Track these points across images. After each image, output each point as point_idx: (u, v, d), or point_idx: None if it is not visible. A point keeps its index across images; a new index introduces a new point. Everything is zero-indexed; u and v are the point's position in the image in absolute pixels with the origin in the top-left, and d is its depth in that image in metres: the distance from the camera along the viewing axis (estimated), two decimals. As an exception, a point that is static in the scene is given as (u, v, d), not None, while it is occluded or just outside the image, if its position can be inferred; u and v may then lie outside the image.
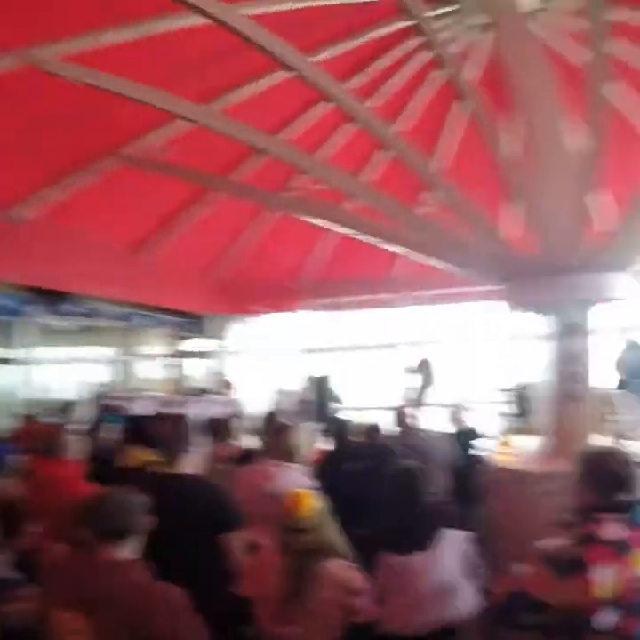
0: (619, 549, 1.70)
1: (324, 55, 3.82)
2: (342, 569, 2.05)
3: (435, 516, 2.40)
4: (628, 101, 4.60)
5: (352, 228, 3.80)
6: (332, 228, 4.77)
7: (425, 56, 4.25)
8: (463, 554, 2.29)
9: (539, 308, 3.21)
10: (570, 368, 3.08)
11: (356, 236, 3.88)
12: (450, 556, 2.27)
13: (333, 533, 2.12)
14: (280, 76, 3.79)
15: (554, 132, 3.11)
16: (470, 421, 4.58)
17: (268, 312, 8.36)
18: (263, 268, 7.33)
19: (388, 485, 2.65)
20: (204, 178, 4.14)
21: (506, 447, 3.23)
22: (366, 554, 2.30)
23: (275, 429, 3.25)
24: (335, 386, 7.08)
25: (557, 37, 4.16)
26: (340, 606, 1.99)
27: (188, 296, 7.17)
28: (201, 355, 8.70)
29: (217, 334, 8.90)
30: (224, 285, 7.31)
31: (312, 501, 2.10)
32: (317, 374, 7.05)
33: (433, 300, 7.86)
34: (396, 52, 4.25)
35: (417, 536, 2.33)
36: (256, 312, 8.20)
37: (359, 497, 3.01)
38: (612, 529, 1.74)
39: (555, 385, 3.14)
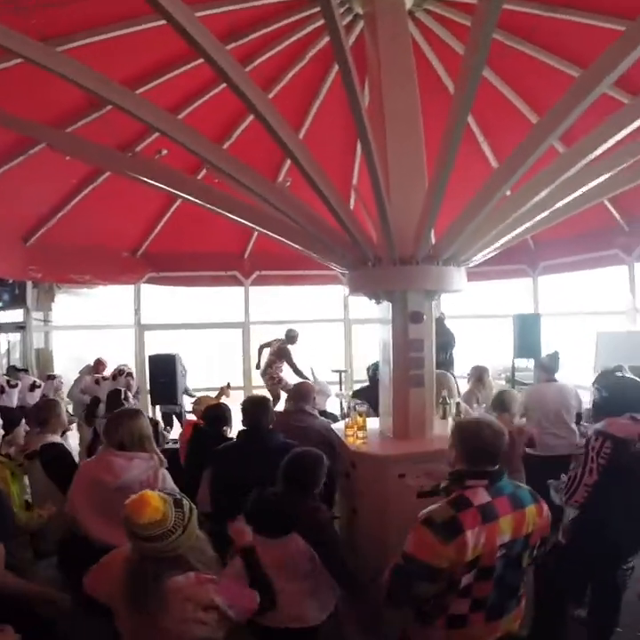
0: (486, 514, 1.86)
1: (203, 13, 3.48)
2: (195, 585, 1.80)
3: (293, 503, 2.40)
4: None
5: (203, 199, 3.56)
6: (180, 198, 4.46)
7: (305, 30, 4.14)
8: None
9: (381, 296, 3.35)
10: (413, 355, 3.26)
11: (208, 209, 3.64)
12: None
13: (193, 538, 1.85)
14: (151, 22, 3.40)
15: (409, 127, 3.28)
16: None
17: (102, 284, 7.60)
18: (98, 236, 6.64)
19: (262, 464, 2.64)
20: (31, 127, 3.47)
21: (355, 430, 3.29)
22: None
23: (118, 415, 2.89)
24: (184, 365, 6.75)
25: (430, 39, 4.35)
26: (191, 622, 1.77)
27: (5, 261, 6.13)
28: (20, 328, 7.55)
29: (40, 305, 7.81)
30: (49, 252, 6.40)
31: (162, 507, 1.77)
32: (163, 353, 6.61)
33: (283, 281, 7.93)
34: (278, 23, 4.06)
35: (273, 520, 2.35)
36: (88, 283, 7.37)
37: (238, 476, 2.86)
38: (481, 495, 1.91)
39: (397, 371, 3.30)
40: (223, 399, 4.80)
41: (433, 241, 3.20)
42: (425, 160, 3.30)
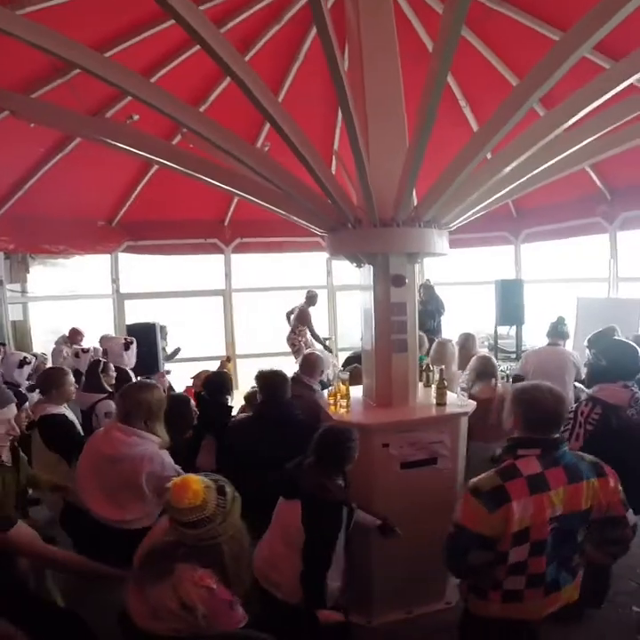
0: (534, 486, 1.81)
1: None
2: (191, 582, 1.72)
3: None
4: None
5: (180, 164, 3.43)
6: (156, 163, 4.31)
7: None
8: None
9: (360, 259, 3.29)
10: (395, 318, 3.21)
11: (185, 175, 3.52)
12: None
13: (234, 529, 1.80)
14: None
15: (390, 89, 3.17)
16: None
17: (78, 253, 7.40)
18: (71, 205, 6.44)
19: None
20: None
21: (337, 398, 3.26)
22: None
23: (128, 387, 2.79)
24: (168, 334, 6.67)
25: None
26: (165, 606, 1.73)
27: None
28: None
29: (14, 277, 7.60)
30: (20, 222, 6.20)
31: (203, 492, 1.72)
32: (139, 322, 6.49)
33: (265, 248, 7.82)
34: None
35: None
36: (62, 253, 7.17)
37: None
38: (533, 465, 1.85)
39: (379, 335, 3.26)
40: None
41: (415, 204, 3.13)
42: (406, 123, 3.21)
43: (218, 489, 1.79)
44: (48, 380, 3.42)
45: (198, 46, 2.16)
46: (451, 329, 6.67)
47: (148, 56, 4.35)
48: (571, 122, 2.70)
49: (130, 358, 4.89)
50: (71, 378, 3.54)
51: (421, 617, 3.05)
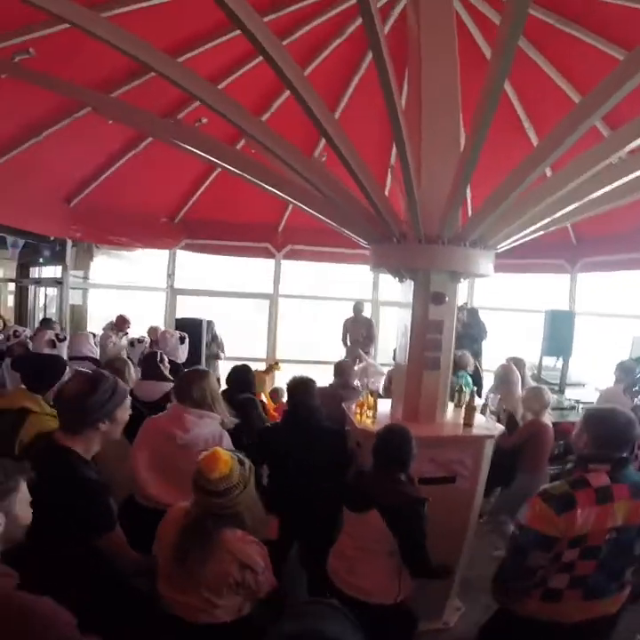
0: (601, 496, 1.91)
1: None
2: (241, 541, 1.90)
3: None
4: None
5: (241, 169, 3.59)
6: (218, 166, 4.50)
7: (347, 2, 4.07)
8: None
9: (402, 274, 3.30)
10: (431, 336, 3.21)
11: (245, 179, 3.68)
12: None
13: (251, 497, 1.95)
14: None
15: (447, 104, 3.19)
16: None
17: (139, 247, 7.79)
18: (138, 201, 6.78)
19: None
20: (77, 91, 3.57)
21: (364, 409, 3.28)
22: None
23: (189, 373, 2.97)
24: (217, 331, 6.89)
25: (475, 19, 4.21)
26: (230, 580, 1.87)
27: (45, 219, 6.34)
28: (57, 283, 7.82)
29: (79, 264, 8.08)
30: (90, 213, 6.59)
31: (231, 462, 1.90)
32: (188, 317, 6.73)
33: (315, 257, 7.94)
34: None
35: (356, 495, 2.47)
36: (125, 245, 7.56)
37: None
38: (601, 478, 1.95)
39: (413, 351, 3.26)
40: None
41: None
42: (461, 141, 3.21)
43: (238, 460, 1.95)
44: (109, 369, 3.37)
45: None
46: (495, 355, 6.51)
47: (217, 63, 4.52)
48: (634, 144, 2.64)
49: (183, 352, 5.06)
50: (131, 369, 3.74)
51: (419, 635, 2.98)
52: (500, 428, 3.17)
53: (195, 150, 3.56)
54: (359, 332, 7.24)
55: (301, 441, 3.06)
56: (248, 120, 2.88)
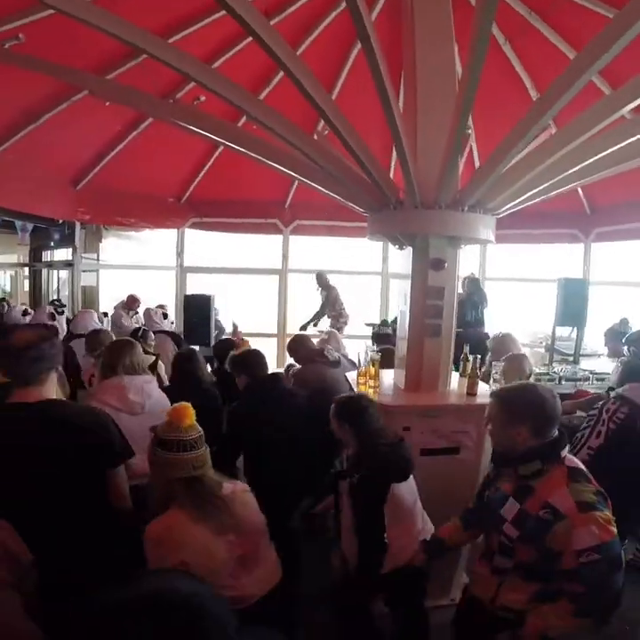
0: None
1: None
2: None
3: None
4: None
5: (242, 146, 3.56)
6: (220, 144, 4.46)
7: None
8: None
9: (401, 241, 3.24)
10: (431, 302, 3.15)
11: (245, 155, 3.64)
12: None
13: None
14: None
15: (443, 67, 3.09)
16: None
17: (148, 227, 7.82)
18: (144, 182, 6.79)
19: None
20: (76, 75, 3.55)
21: (366, 379, 3.27)
22: None
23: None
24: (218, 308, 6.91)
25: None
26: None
27: (52, 202, 6.41)
28: (68, 266, 7.94)
29: (89, 246, 8.16)
30: (97, 195, 6.62)
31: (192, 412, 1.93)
32: (195, 294, 6.76)
33: (323, 231, 7.88)
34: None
35: None
36: (133, 226, 7.60)
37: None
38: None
39: (414, 319, 3.21)
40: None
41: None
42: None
43: None
44: None
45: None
46: (506, 326, 6.42)
47: (212, 41, 4.46)
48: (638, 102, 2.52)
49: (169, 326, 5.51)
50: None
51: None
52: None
53: (196, 129, 3.53)
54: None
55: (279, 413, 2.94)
56: (243, 98, 2.84)
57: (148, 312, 5.63)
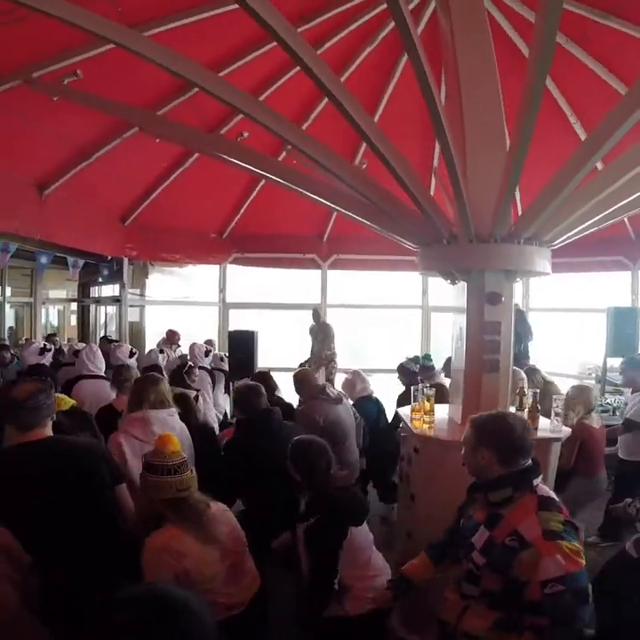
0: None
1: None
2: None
3: None
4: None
5: (286, 180, 3.65)
6: (265, 178, 4.59)
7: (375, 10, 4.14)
8: None
9: (454, 276, 3.23)
10: (488, 337, 3.11)
11: (289, 189, 3.73)
12: None
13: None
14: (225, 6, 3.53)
15: (490, 102, 3.13)
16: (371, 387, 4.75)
17: (191, 263, 8.03)
18: (188, 218, 7.02)
19: None
20: (125, 110, 3.74)
21: (421, 414, 3.22)
22: None
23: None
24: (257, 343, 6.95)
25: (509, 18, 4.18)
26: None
27: (103, 239, 6.66)
28: (116, 302, 8.18)
29: (135, 282, 8.42)
30: (143, 232, 6.91)
31: (177, 440, 2.11)
32: (240, 329, 6.85)
33: (361, 266, 7.93)
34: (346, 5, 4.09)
35: None
36: (178, 262, 7.83)
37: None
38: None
39: (471, 354, 3.17)
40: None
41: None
42: (506, 137, 3.14)
43: None
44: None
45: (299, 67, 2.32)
46: (553, 357, 6.28)
47: (255, 76, 4.64)
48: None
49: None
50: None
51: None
52: (566, 430, 3.03)
53: (242, 164, 3.65)
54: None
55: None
56: (288, 128, 2.93)
57: (192, 348, 5.72)
